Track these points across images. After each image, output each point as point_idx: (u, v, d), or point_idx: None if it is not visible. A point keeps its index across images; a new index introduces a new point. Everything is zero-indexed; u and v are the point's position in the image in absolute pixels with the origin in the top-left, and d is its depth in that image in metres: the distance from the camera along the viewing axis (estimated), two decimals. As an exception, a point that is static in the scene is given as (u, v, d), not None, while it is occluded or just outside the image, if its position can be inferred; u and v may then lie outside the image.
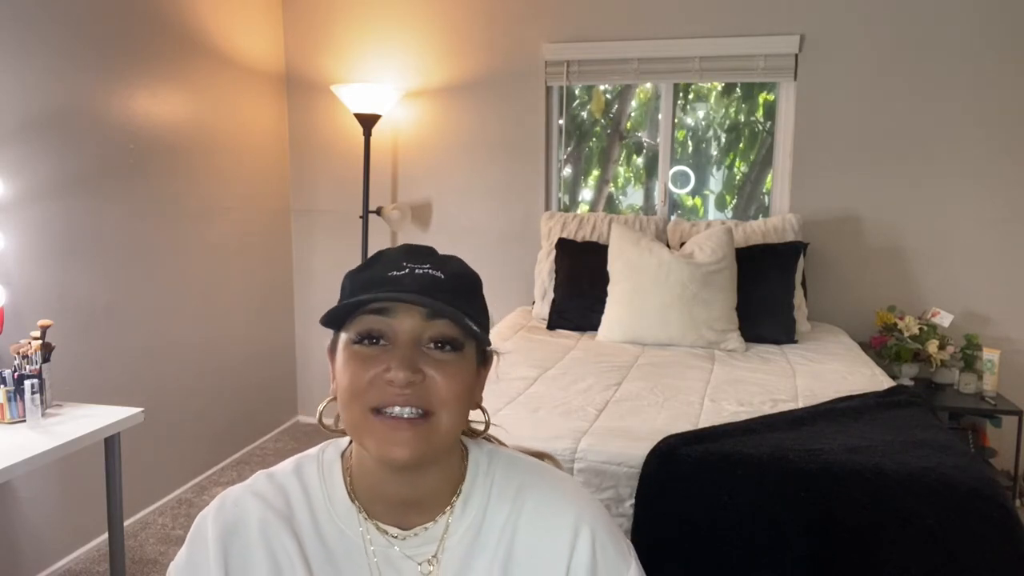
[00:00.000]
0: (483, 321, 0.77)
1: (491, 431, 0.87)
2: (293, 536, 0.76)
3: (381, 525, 0.77)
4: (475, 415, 0.83)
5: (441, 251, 0.80)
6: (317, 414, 0.83)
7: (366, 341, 0.72)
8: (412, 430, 0.70)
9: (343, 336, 0.75)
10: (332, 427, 0.83)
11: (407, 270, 0.73)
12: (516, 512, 0.78)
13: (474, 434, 0.86)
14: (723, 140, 3.60)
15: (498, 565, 0.76)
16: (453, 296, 0.72)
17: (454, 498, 0.78)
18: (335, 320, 0.74)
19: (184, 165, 3.11)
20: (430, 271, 0.74)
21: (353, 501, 0.78)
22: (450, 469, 0.78)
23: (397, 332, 0.72)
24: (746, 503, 1.66)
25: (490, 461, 0.81)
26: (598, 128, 3.74)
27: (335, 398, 0.76)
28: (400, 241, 3.81)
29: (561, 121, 3.63)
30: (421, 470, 0.74)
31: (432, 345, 0.72)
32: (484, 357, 0.79)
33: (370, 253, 3.62)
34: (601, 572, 0.77)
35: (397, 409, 0.70)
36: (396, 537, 0.76)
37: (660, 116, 3.56)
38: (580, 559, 0.76)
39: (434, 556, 0.76)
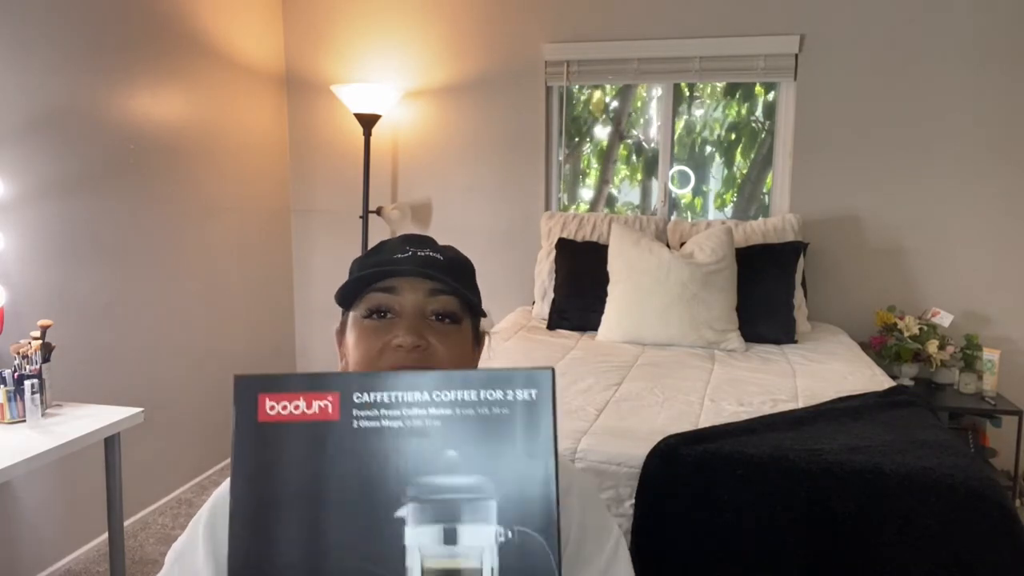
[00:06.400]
0: (478, 301, 0.85)
1: None
2: None
3: None
4: None
5: None
6: None
7: (375, 315, 0.80)
8: None
9: (352, 314, 0.82)
10: None
11: (410, 253, 0.82)
12: None
13: None
14: (723, 140, 3.60)
15: None
16: (452, 276, 0.80)
17: None
18: (346, 299, 0.82)
19: (184, 165, 3.11)
20: (431, 253, 0.82)
21: None
22: None
23: (403, 306, 0.79)
24: (746, 503, 1.66)
25: None
26: (598, 127, 3.74)
27: None
28: (400, 241, 3.82)
29: (562, 123, 3.63)
30: None
31: (434, 317, 0.80)
32: (478, 337, 0.87)
33: (370, 253, 3.62)
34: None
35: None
36: None
37: (660, 116, 3.56)
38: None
39: None
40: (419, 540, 0.54)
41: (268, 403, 0.57)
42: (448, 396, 0.55)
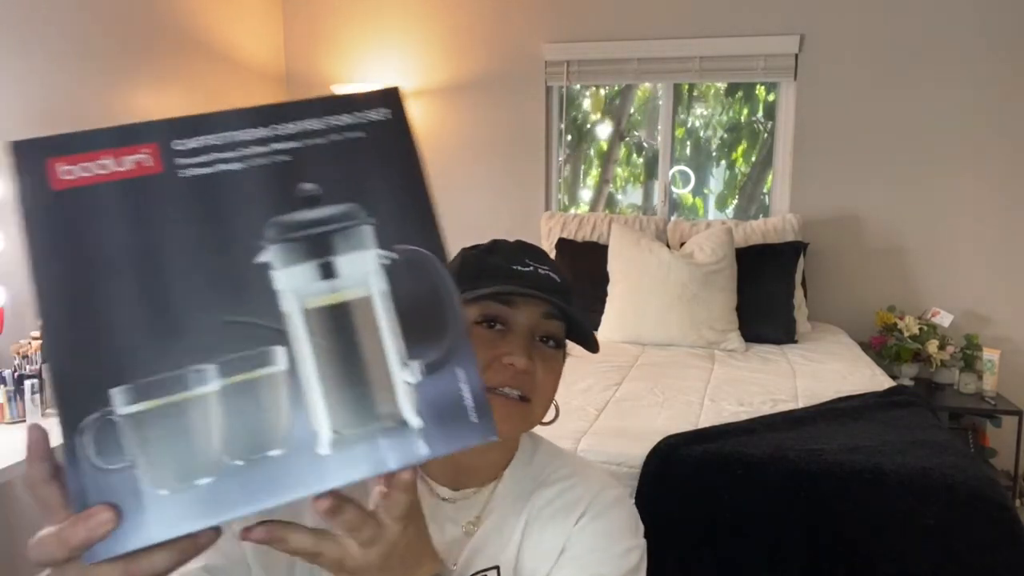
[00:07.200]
0: (589, 330, 0.86)
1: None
2: None
3: (432, 484, 0.82)
4: None
5: None
6: None
7: (486, 324, 0.78)
8: (517, 410, 0.77)
9: None
10: None
11: (531, 267, 0.81)
12: (558, 483, 0.85)
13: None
14: (723, 140, 3.60)
15: (527, 519, 0.83)
16: (565, 299, 0.80)
17: (503, 471, 0.85)
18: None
19: (184, 165, 3.11)
20: (550, 273, 0.81)
21: None
22: (510, 446, 0.86)
23: (516, 322, 0.78)
24: (746, 503, 1.66)
25: (535, 445, 0.89)
26: (598, 128, 3.74)
27: None
28: (400, 241, 3.82)
29: (562, 125, 3.63)
30: (496, 443, 0.79)
31: (540, 339, 0.80)
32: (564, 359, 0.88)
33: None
34: (612, 517, 0.81)
35: (507, 389, 0.76)
36: (446, 500, 0.82)
37: (660, 116, 3.56)
38: (601, 499, 0.82)
39: (477, 517, 0.82)
40: (291, 282, 0.48)
41: (62, 168, 0.48)
42: (292, 128, 0.49)
